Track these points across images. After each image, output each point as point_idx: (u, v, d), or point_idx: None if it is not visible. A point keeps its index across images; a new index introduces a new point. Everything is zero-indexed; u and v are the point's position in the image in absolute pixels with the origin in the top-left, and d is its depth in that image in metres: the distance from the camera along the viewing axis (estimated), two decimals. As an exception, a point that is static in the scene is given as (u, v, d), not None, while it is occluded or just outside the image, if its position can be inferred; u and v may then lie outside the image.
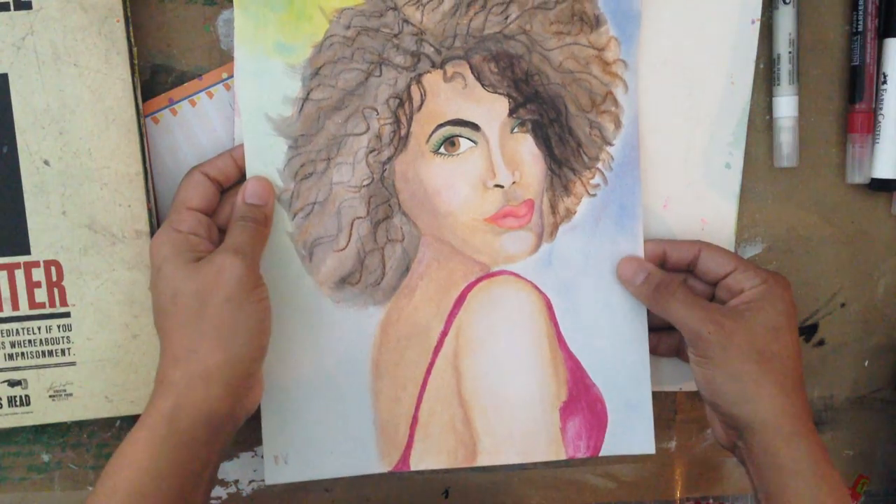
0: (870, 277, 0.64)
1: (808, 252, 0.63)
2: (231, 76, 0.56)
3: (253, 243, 0.53)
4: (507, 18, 0.55)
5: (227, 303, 0.50)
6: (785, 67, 0.60)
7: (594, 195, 0.58)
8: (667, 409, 0.64)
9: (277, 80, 0.54)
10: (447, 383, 0.58)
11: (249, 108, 0.55)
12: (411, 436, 0.58)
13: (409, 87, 0.55)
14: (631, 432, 0.59)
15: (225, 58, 0.56)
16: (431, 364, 0.58)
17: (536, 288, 0.58)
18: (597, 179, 0.58)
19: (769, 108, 0.61)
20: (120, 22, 0.53)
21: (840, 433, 0.66)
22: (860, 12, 0.60)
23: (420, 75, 0.55)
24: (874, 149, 0.61)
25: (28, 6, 0.52)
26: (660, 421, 0.63)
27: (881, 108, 0.61)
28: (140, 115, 0.54)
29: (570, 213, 0.58)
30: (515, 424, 0.59)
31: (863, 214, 0.63)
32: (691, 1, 0.58)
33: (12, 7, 0.52)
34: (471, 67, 0.56)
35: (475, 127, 0.56)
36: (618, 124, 0.58)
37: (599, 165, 0.58)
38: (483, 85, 0.56)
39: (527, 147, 0.57)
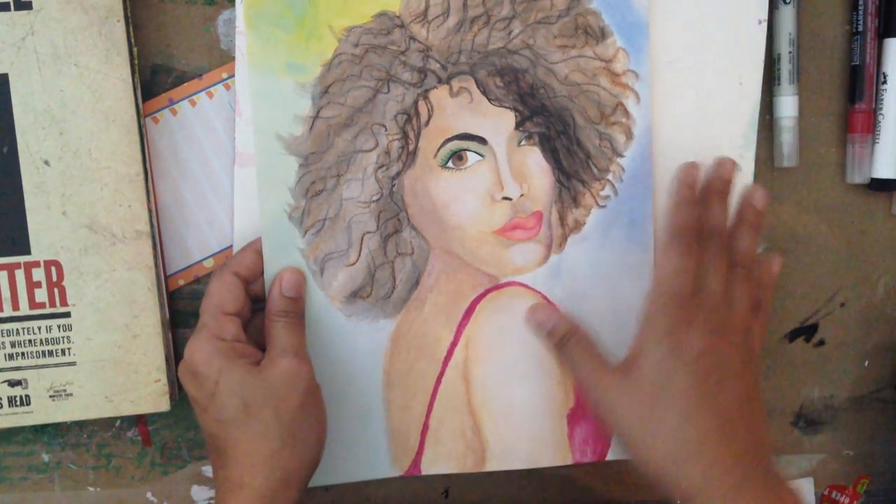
0: (870, 277, 0.64)
1: (808, 252, 0.63)
2: (231, 76, 0.56)
3: (302, 341, 0.54)
4: (510, 34, 0.55)
5: (300, 409, 0.51)
6: (785, 67, 0.60)
7: (604, 206, 0.58)
8: (667, 409, 0.64)
9: (288, 100, 0.54)
10: (457, 392, 0.59)
11: (262, 128, 0.55)
12: (422, 442, 0.59)
13: (416, 102, 0.55)
14: None
15: (225, 58, 0.56)
16: (441, 374, 0.58)
17: (545, 298, 0.58)
18: (607, 191, 0.58)
19: (769, 108, 0.61)
20: (120, 22, 0.53)
21: (840, 433, 0.66)
22: (860, 12, 0.60)
23: (427, 91, 0.55)
24: (874, 149, 0.61)
25: (28, 6, 0.52)
26: (660, 421, 0.63)
27: (881, 108, 0.61)
28: (140, 116, 0.54)
29: (579, 225, 0.58)
30: (524, 431, 0.59)
31: (863, 214, 0.63)
32: (697, 1, 0.58)
33: (12, 7, 0.52)
34: (476, 82, 0.56)
35: (482, 140, 0.56)
36: (629, 136, 0.57)
37: (610, 177, 0.58)
38: (489, 99, 0.56)
39: (534, 159, 0.57)
